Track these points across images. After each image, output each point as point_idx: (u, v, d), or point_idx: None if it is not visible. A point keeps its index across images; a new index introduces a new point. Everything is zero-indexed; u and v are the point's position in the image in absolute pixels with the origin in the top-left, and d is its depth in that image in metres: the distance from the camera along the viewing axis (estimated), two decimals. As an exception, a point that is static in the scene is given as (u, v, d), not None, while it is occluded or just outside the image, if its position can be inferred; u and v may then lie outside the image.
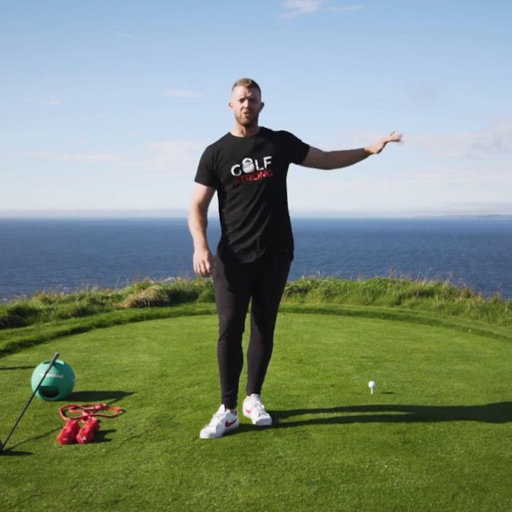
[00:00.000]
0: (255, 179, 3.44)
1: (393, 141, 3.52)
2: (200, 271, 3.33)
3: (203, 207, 3.52)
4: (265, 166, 3.44)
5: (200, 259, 3.34)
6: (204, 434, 3.32)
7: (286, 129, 3.62)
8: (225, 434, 3.37)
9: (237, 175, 3.43)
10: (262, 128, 3.56)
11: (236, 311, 3.46)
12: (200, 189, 3.53)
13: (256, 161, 3.44)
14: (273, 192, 3.47)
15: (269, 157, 3.44)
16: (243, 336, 3.53)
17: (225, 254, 3.49)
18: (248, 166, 3.43)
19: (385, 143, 3.53)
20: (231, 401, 3.51)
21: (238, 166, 3.43)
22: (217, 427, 3.35)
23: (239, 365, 3.55)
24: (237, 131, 3.52)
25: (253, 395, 3.70)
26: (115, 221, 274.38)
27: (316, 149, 3.61)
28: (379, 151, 3.55)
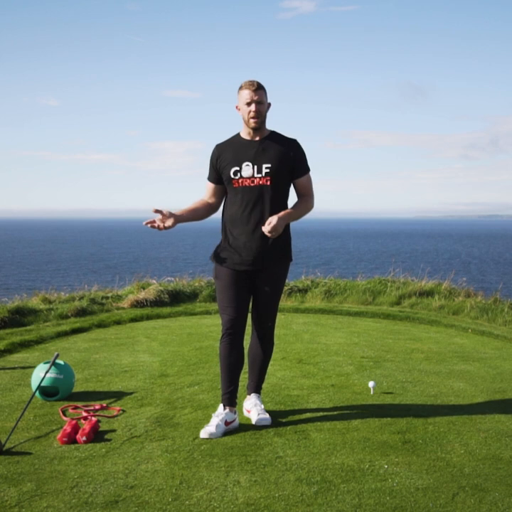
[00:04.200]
0: (252, 185, 3.44)
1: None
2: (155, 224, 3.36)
3: (206, 199, 3.62)
4: (263, 173, 3.43)
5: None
6: (204, 433, 3.32)
7: (296, 137, 3.56)
8: (225, 433, 3.37)
9: (235, 178, 3.46)
10: (272, 132, 3.54)
11: (236, 310, 3.49)
12: (208, 186, 3.62)
13: (255, 166, 3.43)
14: (269, 200, 3.45)
15: (269, 165, 3.43)
16: (245, 335, 3.54)
17: (221, 254, 3.55)
18: (247, 170, 3.44)
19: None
20: (231, 399, 3.50)
21: (238, 168, 3.45)
22: (217, 426, 3.35)
23: (240, 364, 3.56)
24: (244, 133, 3.53)
25: (253, 395, 3.71)
26: (114, 221, 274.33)
27: (308, 181, 3.56)
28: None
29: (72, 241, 79.78)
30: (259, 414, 3.53)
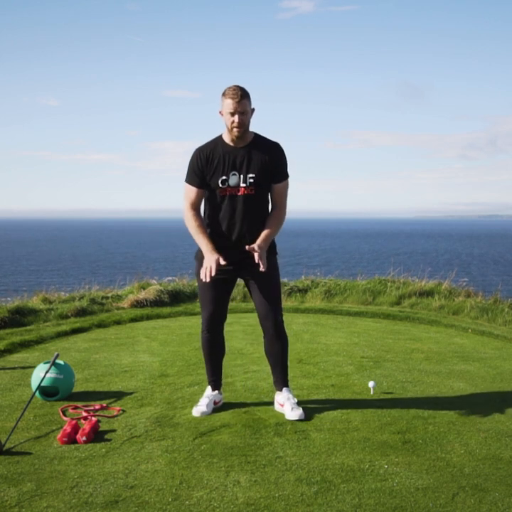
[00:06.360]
0: (238, 194, 3.52)
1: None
2: (206, 274, 3.44)
3: (196, 207, 3.64)
4: (248, 183, 3.52)
5: (208, 264, 3.44)
6: (196, 412, 3.63)
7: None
8: (214, 412, 3.68)
9: (223, 187, 3.53)
10: (255, 136, 3.58)
11: (216, 308, 3.70)
12: (192, 191, 3.61)
13: (241, 176, 3.51)
14: (253, 208, 3.56)
15: (253, 175, 3.51)
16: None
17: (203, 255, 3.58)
18: (234, 179, 3.52)
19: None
20: (216, 382, 3.84)
21: (225, 178, 3.52)
22: (207, 405, 3.68)
23: (221, 353, 3.85)
24: (228, 138, 3.56)
25: (284, 389, 3.77)
26: (114, 221, 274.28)
27: (284, 188, 3.61)
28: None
29: (72, 241, 79.77)
30: (292, 409, 3.59)
